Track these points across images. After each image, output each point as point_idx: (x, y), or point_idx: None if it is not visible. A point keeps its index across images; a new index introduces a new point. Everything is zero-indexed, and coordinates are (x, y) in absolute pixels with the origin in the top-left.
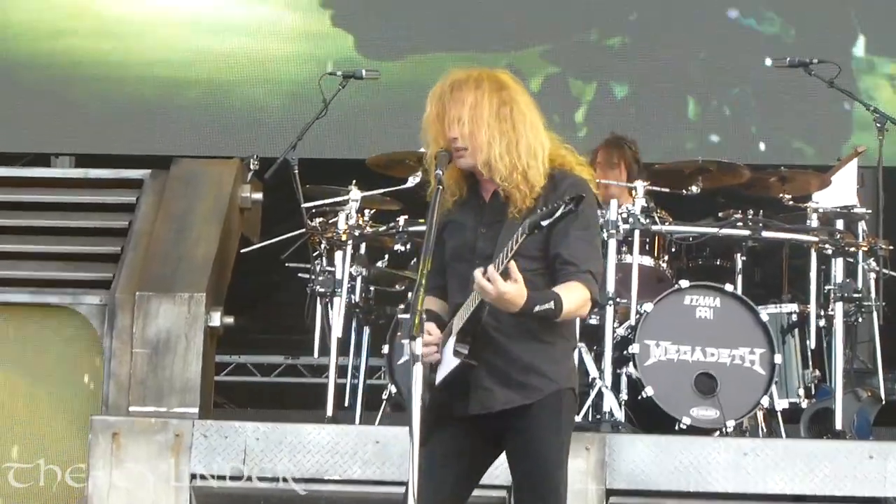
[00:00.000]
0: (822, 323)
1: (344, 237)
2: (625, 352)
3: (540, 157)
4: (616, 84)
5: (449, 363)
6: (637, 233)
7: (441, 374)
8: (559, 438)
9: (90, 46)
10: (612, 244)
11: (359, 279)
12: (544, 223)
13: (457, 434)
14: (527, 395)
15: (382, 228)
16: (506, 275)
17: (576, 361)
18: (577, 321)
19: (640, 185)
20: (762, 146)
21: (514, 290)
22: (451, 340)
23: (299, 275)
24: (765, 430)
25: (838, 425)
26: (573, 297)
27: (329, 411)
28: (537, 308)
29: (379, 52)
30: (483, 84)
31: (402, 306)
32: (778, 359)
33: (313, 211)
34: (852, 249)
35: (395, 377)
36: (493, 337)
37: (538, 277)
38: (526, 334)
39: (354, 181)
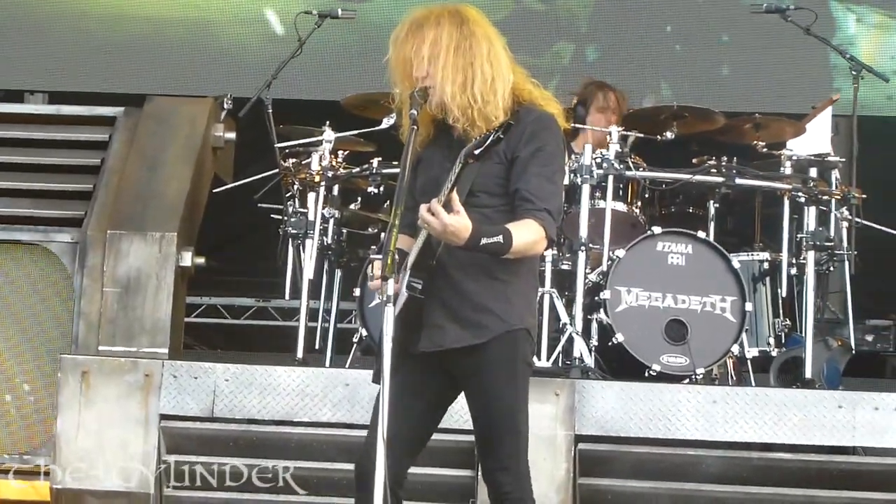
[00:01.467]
0: (793, 271)
1: (317, 178)
2: (596, 298)
3: (500, 92)
4: (590, 31)
5: (403, 298)
6: (611, 178)
7: (397, 309)
8: (514, 379)
9: None
10: (586, 189)
11: (331, 221)
12: (477, 152)
13: (415, 370)
14: (477, 334)
15: (356, 170)
16: (448, 207)
17: (536, 302)
18: (544, 263)
19: (615, 131)
20: (737, 92)
21: (457, 223)
22: (406, 275)
23: (272, 216)
24: (734, 378)
25: (808, 374)
26: (525, 233)
27: (299, 353)
28: (483, 241)
29: None
30: (443, 20)
31: (373, 248)
32: (749, 307)
33: (286, 151)
34: (825, 198)
35: (366, 320)
36: (449, 274)
37: (499, 214)
38: (481, 272)
39: (328, 122)
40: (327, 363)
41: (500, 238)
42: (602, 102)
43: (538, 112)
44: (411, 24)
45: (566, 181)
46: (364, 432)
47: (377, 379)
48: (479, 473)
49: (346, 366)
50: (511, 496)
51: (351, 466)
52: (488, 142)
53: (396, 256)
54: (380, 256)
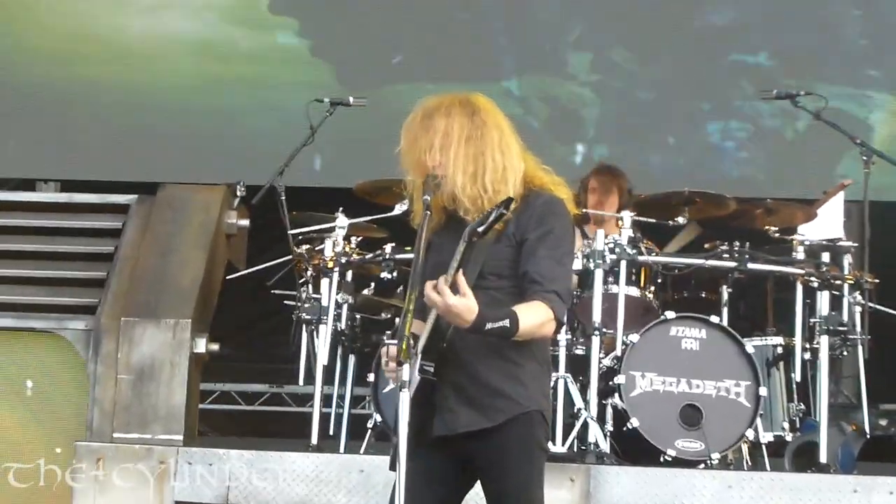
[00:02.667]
0: (807, 356)
1: (330, 264)
2: (610, 382)
3: (511, 182)
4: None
5: (415, 382)
6: (624, 263)
7: (410, 394)
8: (529, 463)
9: (77, 73)
10: (599, 274)
11: (345, 307)
12: (480, 229)
13: (431, 456)
14: (491, 417)
15: (369, 256)
16: (454, 288)
17: (549, 386)
18: (558, 348)
19: (627, 216)
20: (747, 177)
21: (462, 304)
22: (418, 359)
23: (285, 302)
24: (749, 462)
25: (823, 459)
26: (532, 316)
27: (314, 439)
28: (489, 326)
29: (365, 79)
30: (454, 110)
31: (388, 332)
32: (763, 391)
33: (300, 238)
34: (838, 283)
35: (380, 406)
36: (460, 357)
37: (508, 296)
38: (493, 354)
39: (341, 208)
40: (342, 449)
41: (506, 322)
42: (593, 183)
43: (547, 196)
44: (423, 114)
45: (579, 266)
46: None
47: (394, 466)
48: None
49: (361, 452)
50: None
51: None
52: (490, 218)
53: (412, 341)
54: (394, 341)
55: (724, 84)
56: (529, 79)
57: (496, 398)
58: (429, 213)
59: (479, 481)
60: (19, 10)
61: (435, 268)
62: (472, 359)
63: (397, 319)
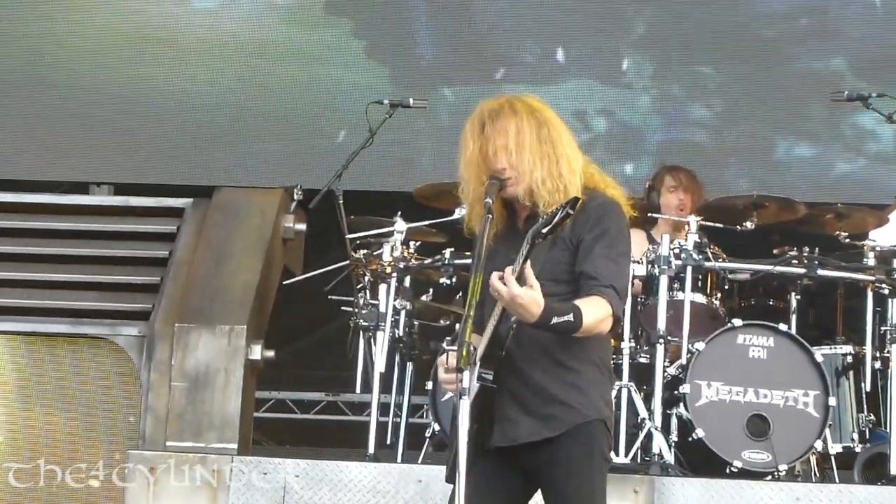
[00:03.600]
0: (877, 365)
1: (388, 270)
2: (675, 392)
3: (578, 172)
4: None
5: (474, 390)
6: (689, 269)
7: (463, 406)
8: (591, 474)
9: (132, 74)
10: (664, 280)
11: (403, 313)
12: (545, 230)
13: (489, 466)
14: (551, 426)
15: (428, 261)
16: (521, 281)
17: (611, 393)
18: (622, 356)
19: (693, 220)
20: (817, 181)
21: (528, 296)
22: (476, 367)
23: (342, 308)
24: (818, 474)
25: (893, 471)
26: (593, 310)
27: (370, 449)
28: (555, 320)
29: (420, 82)
30: (518, 109)
31: (447, 339)
32: (832, 401)
33: (357, 242)
34: None
35: (438, 415)
36: (517, 366)
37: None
38: (550, 362)
39: (400, 212)
40: (399, 459)
41: (570, 316)
42: (671, 182)
43: (602, 197)
44: (489, 116)
45: (643, 271)
46: None
47: (451, 478)
48: None
49: (419, 462)
50: None
51: None
52: (556, 219)
53: (471, 348)
54: (453, 348)
55: (792, 96)
56: (584, 83)
57: (556, 407)
58: (490, 216)
59: (539, 491)
60: (76, 12)
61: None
62: (529, 368)
63: (457, 326)
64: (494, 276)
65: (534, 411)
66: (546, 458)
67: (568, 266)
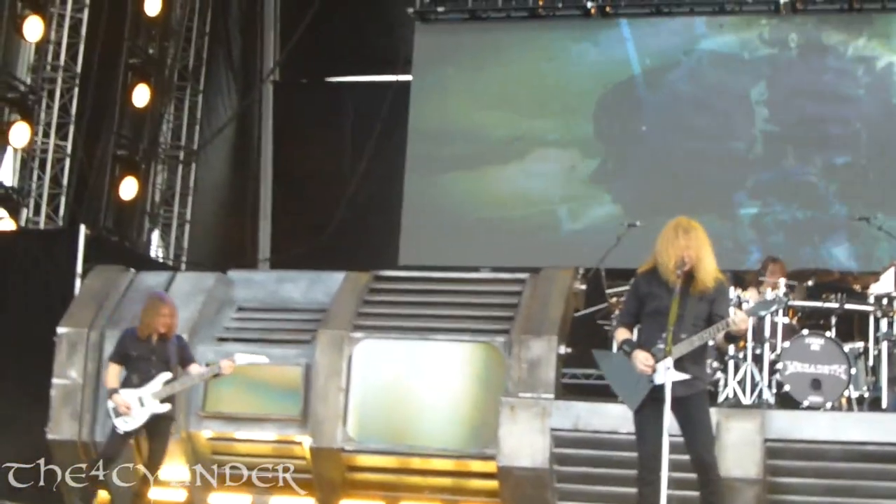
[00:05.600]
0: (875, 353)
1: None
2: (775, 366)
3: (714, 265)
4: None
5: (663, 374)
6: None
7: (658, 380)
8: (707, 414)
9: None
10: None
11: None
12: (762, 313)
13: (658, 408)
14: (689, 389)
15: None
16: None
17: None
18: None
19: (782, 282)
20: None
21: (744, 323)
22: (669, 360)
23: (605, 327)
24: (846, 408)
25: (882, 406)
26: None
27: None
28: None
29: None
30: (695, 228)
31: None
32: (853, 371)
33: (612, 294)
34: (890, 314)
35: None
36: (682, 358)
37: (700, 332)
38: (698, 357)
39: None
40: None
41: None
42: (770, 268)
43: (720, 278)
44: (681, 230)
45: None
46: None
47: (638, 409)
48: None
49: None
50: (713, 464)
51: None
52: (773, 307)
53: (663, 347)
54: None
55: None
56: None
57: (695, 380)
58: (679, 279)
59: (677, 419)
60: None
61: (658, 308)
62: (684, 357)
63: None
64: (739, 314)
65: (684, 382)
66: (685, 406)
67: (706, 314)
